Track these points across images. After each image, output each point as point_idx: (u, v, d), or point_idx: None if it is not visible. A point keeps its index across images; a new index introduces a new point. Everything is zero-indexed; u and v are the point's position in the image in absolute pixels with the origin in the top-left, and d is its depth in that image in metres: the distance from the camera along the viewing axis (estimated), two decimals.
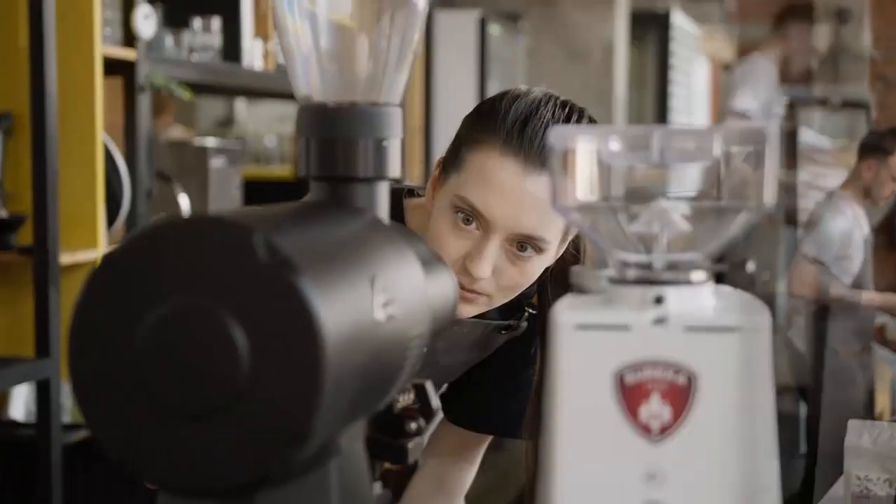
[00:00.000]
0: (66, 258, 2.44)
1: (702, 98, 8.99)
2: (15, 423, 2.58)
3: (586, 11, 5.39)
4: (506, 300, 1.32)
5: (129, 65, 2.68)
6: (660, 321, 0.69)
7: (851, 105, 4.50)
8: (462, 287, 1.27)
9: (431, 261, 0.89)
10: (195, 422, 0.63)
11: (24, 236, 2.42)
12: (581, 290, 0.81)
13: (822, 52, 4.55)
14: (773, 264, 4.71)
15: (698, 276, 0.72)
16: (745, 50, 10.00)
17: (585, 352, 0.70)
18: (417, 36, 0.86)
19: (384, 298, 0.71)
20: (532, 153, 1.23)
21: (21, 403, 2.59)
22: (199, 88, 3.28)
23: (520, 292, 1.32)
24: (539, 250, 1.26)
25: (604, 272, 0.76)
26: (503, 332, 1.43)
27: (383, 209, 0.84)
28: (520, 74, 5.20)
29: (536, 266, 1.28)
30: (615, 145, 0.72)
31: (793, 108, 4.48)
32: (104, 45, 2.58)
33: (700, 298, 0.71)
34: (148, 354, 0.63)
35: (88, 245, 2.52)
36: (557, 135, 0.72)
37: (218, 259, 0.62)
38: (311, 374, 0.61)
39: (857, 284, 4.29)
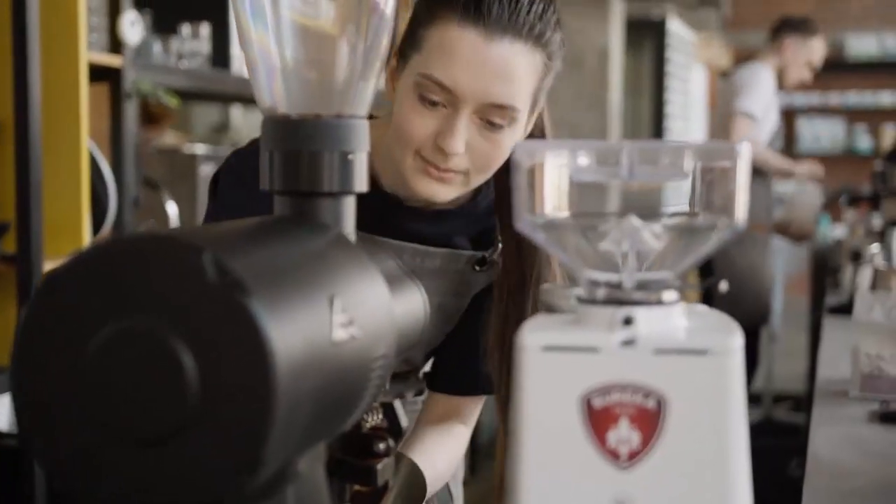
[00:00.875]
0: (50, 266, 2.41)
1: (698, 104, 8.98)
2: None
3: (581, 18, 5.37)
4: (482, 179, 1.29)
5: (115, 71, 2.66)
6: (628, 343, 0.67)
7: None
8: (436, 167, 1.25)
9: (399, 276, 0.87)
10: (143, 447, 0.60)
11: (8, 244, 2.40)
12: (550, 309, 0.78)
13: (819, 63, 4.58)
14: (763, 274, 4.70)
15: (669, 295, 0.70)
16: (741, 57, 10.00)
17: (552, 374, 0.67)
18: (385, 43, 0.84)
19: (344, 318, 0.68)
20: (491, 20, 1.20)
21: (4, 413, 2.56)
22: (188, 95, 3.26)
23: (496, 167, 1.28)
24: (510, 120, 1.24)
25: (573, 291, 0.73)
26: (477, 267, 1.40)
27: (349, 224, 0.81)
28: None
29: (508, 139, 1.25)
30: (583, 161, 0.70)
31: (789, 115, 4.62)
32: (90, 52, 2.55)
33: (671, 319, 0.69)
34: (94, 377, 0.60)
35: (73, 253, 2.49)
36: (523, 150, 0.70)
37: (166, 279, 0.60)
38: (262, 399, 0.59)
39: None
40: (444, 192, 1.27)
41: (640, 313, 0.68)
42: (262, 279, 0.61)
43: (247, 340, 0.59)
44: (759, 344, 4.69)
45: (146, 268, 0.60)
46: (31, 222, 2.33)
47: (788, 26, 4.52)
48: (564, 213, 0.72)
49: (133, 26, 2.64)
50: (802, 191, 4.83)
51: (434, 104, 1.23)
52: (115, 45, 2.66)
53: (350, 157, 0.80)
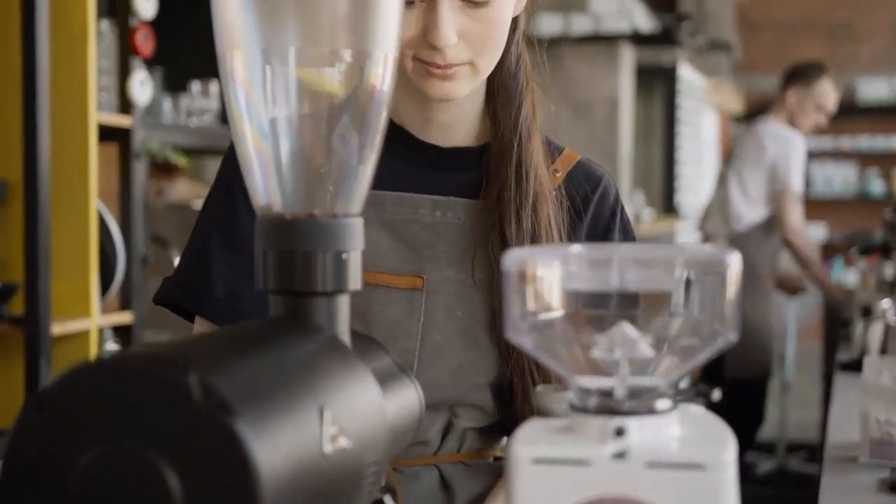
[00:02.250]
0: (58, 328, 2.41)
1: (710, 149, 8.98)
2: None
3: (591, 67, 5.39)
4: (492, 63, 1.20)
5: (124, 131, 2.67)
6: (620, 455, 0.66)
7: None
8: (437, 66, 1.17)
9: (393, 373, 0.86)
10: None
11: (16, 306, 2.40)
12: (543, 412, 0.78)
13: (832, 106, 4.60)
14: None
15: (662, 404, 0.69)
16: (752, 101, 10.03)
17: (543, 487, 0.67)
18: (378, 140, 0.84)
19: (334, 430, 0.68)
20: None
21: None
22: (199, 150, 3.27)
23: (501, 45, 1.20)
24: None
25: (566, 395, 0.73)
26: None
27: (343, 323, 0.81)
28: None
29: (501, 11, 1.17)
30: (574, 268, 0.70)
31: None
32: (100, 112, 2.57)
33: (664, 429, 0.68)
34: (80, 498, 0.60)
35: (81, 314, 2.50)
36: (513, 258, 0.70)
37: (152, 400, 0.60)
38: None
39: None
40: (456, 88, 1.19)
41: (632, 423, 0.67)
42: (249, 397, 0.61)
43: (233, 462, 0.58)
44: (767, 397, 4.65)
45: (133, 389, 0.60)
46: (39, 284, 2.33)
47: (792, 75, 4.55)
48: (555, 320, 0.71)
49: (143, 86, 2.66)
50: None
51: (411, 3, 1.15)
52: (125, 104, 2.68)
53: (344, 256, 0.80)
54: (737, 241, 4.48)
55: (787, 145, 4.43)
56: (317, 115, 0.81)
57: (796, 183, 4.32)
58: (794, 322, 5.98)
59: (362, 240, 0.82)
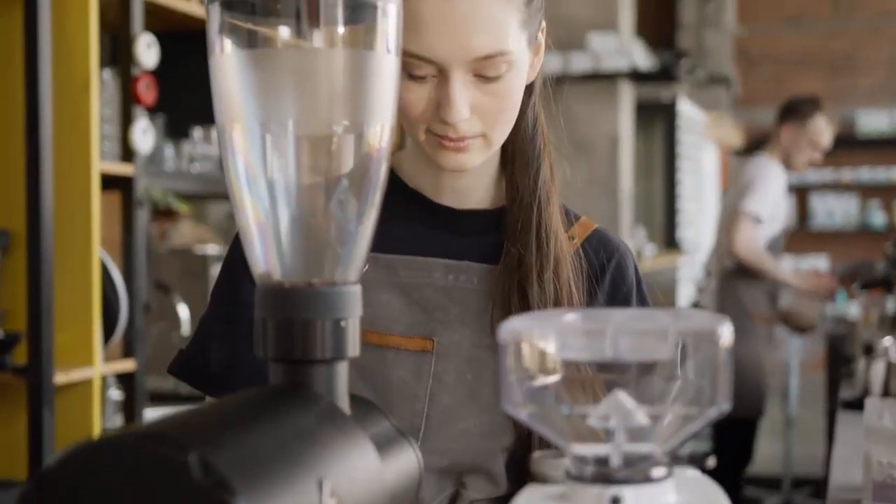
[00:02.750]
0: (60, 377, 2.42)
1: (711, 183, 9.01)
2: None
3: (591, 105, 5.43)
4: (504, 134, 1.20)
5: (127, 179, 2.69)
6: None
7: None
8: (449, 139, 1.16)
9: (393, 438, 0.87)
10: None
11: (19, 355, 2.41)
12: (540, 479, 0.78)
13: (827, 141, 4.61)
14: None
15: (658, 472, 0.70)
16: (752, 135, 10.07)
17: None
18: (376, 206, 0.85)
19: (333, 501, 0.69)
20: None
21: None
22: (201, 196, 3.29)
23: (514, 115, 1.19)
24: (507, 65, 1.14)
25: (563, 461, 0.74)
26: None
27: (342, 390, 0.82)
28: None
29: (513, 83, 1.16)
30: (569, 338, 0.71)
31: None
32: (102, 161, 2.59)
33: (660, 497, 0.69)
34: None
35: (84, 363, 2.51)
36: (508, 329, 0.71)
37: (152, 479, 0.61)
38: None
39: (770, 250, 4.45)
40: (468, 160, 1.19)
41: (628, 492, 0.68)
42: (248, 473, 0.62)
43: None
44: (756, 436, 4.62)
45: (133, 467, 0.61)
46: (42, 334, 2.34)
47: (786, 112, 4.58)
48: (550, 388, 0.72)
49: (145, 135, 2.68)
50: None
51: (423, 78, 1.14)
52: (127, 153, 2.70)
53: (343, 323, 0.81)
54: (727, 278, 4.51)
55: (759, 170, 4.46)
56: (315, 184, 0.83)
57: (752, 204, 4.32)
58: (797, 356, 5.98)
59: (360, 306, 0.83)
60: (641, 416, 0.70)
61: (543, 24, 1.22)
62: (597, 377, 0.73)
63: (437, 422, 1.21)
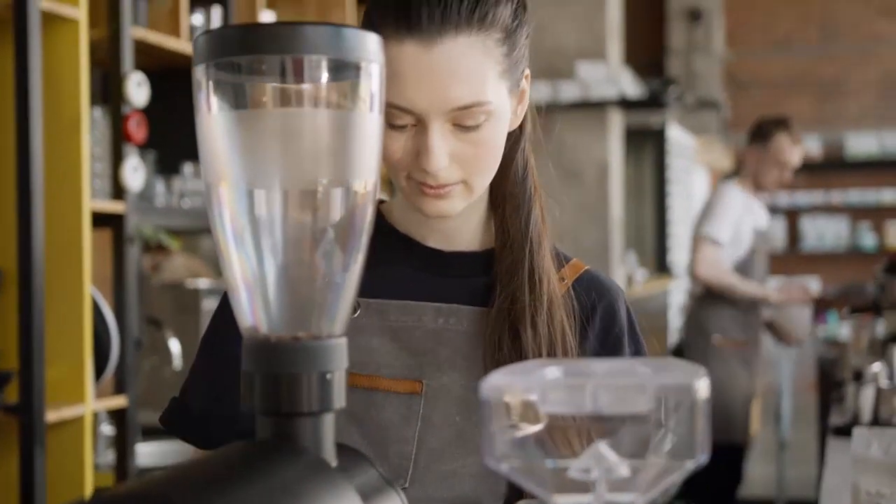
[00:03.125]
0: (52, 415, 2.42)
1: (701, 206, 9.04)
2: None
3: (580, 132, 5.46)
4: (486, 181, 1.21)
5: (118, 217, 2.70)
6: None
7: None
8: (430, 186, 1.17)
9: (378, 487, 0.88)
10: None
11: (10, 394, 2.42)
12: None
13: (794, 159, 4.57)
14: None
15: None
16: (741, 158, 10.12)
17: None
18: (359, 263, 0.87)
19: None
20: (424, 25, 1.13)
21: None
22: (192, 231, 3.31)
23: (496, 163, 1.20)
24: (486, 115, 1.15)
25: None
26: None
27: (328, 441, 0.83)
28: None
29: (493, 132, 1.17)
30: (550, 395, 0.72)
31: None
32: (93, 199, 2.60)
33: None
34: None
35: (76, 400, 2.51)
36: (490, 387, 0.72)
37: None
38: None
39: (741, 272, 4.42)
40: (450, 206, 1.20)
41: None
42: None
43: None
44: (744, 460, 4.61)
45: None
46: (34, 372, 2.35)
47: (751, 134, 4.60)
48: (532, 441, 0.74)
49: (135, 172, 2.70)
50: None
51: (403, 127, 1.16)
52: (118, 190, 2.71)
53: (328, 376, 0.82)
54: (695, 304, 4.53)
55: (719, 194, 4.49)
56: (300, 239, 0.84)
57: (710, 228, 4.33)
58: (789, 378, 5.99)
59: (346, 359, 0.84)
60: (623, 468, 0.72)
61: (527, 71, 1.23)
62: (579, 429, 0.74)
63: (425, 464, 1.22)
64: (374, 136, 0.84)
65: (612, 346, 1.29)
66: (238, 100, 0.84)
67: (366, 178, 0.84)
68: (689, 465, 0.71)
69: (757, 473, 6.64)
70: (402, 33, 1.13)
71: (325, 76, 0.81)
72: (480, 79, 1.14)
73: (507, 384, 0.73)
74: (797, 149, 4.56)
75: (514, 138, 1.25)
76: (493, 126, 1.17)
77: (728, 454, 4.47)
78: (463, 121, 1.15)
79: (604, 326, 1.30)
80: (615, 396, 0.72)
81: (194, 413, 1.27)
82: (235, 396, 1.06)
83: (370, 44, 0.83)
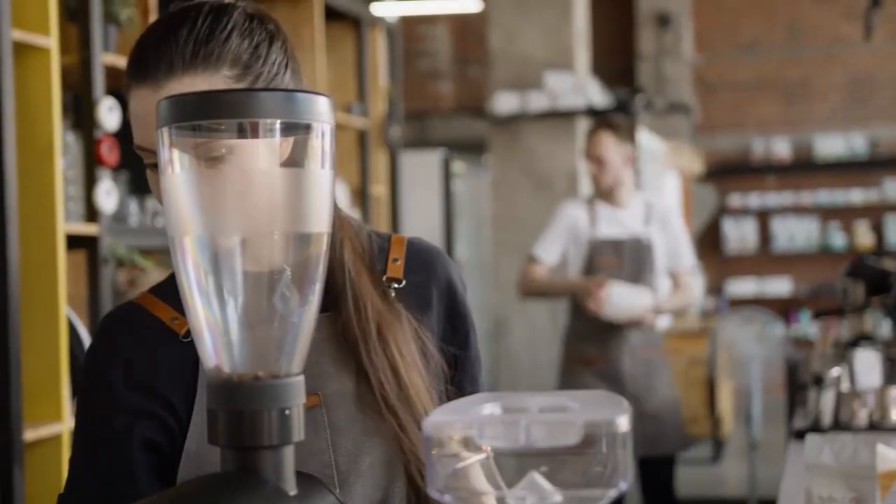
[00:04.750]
0: (30, 434, 2.48)
1: (673, 210, 9.13)
2: None
3: (549, 142, 5.53)
4: None
5: (92, 239, 2.76)
6: None
7: None
8: None
9: None
10: None
11: None
12: None
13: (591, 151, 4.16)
14: None
15: None
16: (712, 161, 10.25)
17: None
18: (315, 305, 0.93)
19: None
20: (151, 70, 1.19)
21: None
22: (166, 250, 3.36)
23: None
24: (228, 149, 1.09)
25: None
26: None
27: (288, 471, 0.90)
28: (485, 206, 5.31)
29: (242, 165, 1.16)
30: (487, 430, 0.79)
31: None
32: (67, 222, 2.65)
33: None
34: None
35: (53, 419, 2.57)
36: (431, 424, 0.79)
37: None
38: None
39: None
40: None
41: None
42: None
43: None
44: (672, 471, 4.46)
45: None
46: (11, 392, 2.40)
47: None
48: (470, 473, 0.81)
49: (108, 195, 2.75)
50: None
51: (156, 166, 1.14)
52: (92, 213, 2.76)
53: (287, 412, 0.89)
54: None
55: (552, 215, 4.30)
56: (258, 285, 0.91)
57: (534, 247, 4.17)
58: (759, 380, 6.08)
59: (304, 394, 0.91)
60: (556, 496, 0.79)
61: None
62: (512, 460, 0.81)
63: (346, 466, 1.28)
64: (326, 189, 0.91)
65: (458, 313, 1.37)
66: (198, 159, 0.91)
67: (319, 226, 0.91)
68: (612, 493, 0.79)
69: (729, 472, 6.74)
70: (137, 80, 1.21)
71: (278, 136, 0.88)
72: None
73: (447, 422, 0.80)
74: (588, 138, 4.19)
75: None
76: (239, 160, 1.11)
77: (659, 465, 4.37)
78: (206, 155, 1.08)
79: (444, 291, 1.37)
80: (547, 431, 0.79)
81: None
82: (126, 480, 1.11)
83: (320, 106, 0.90)
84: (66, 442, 2.60)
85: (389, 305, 1.31)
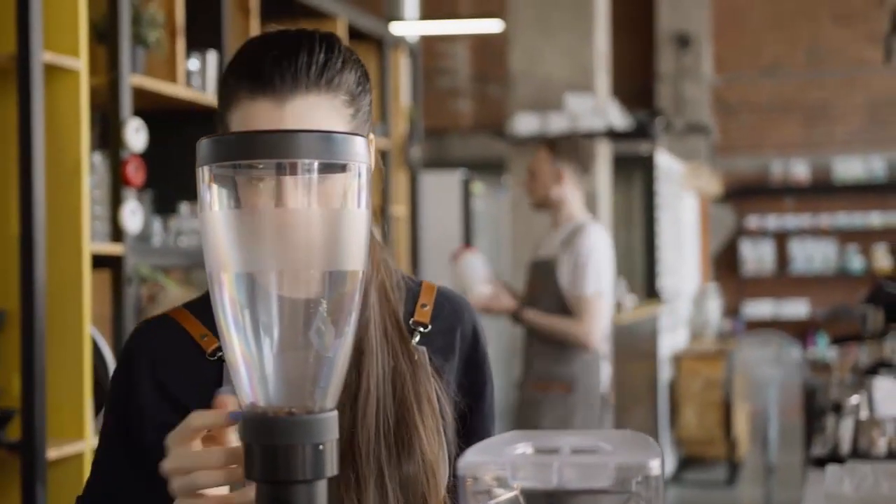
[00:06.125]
0: (53, 452, 2.50)
1: (691, 232, 9.14)
2: None
3: None
4: None
5: (117, 258, 2.79)
6: None
7: None
8: None
9: None
10: None
11: (12, 432, 2.49)
12: None
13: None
14: None
15: None
16: (730, 182, 10.24)
17: None
18: (349, 340, 0.95)
19: None
20: (276, 85, 1.20)
21: None
22: (188, 267, 3.39)
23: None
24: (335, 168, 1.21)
25: None
26: None
27: None
28: (504, 227, 5.32)
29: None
30: (520, 472, 0.80)
31: None
32: (93, 242, 2.68)
33: None
34: None
35: (76, 437, 2.59)
36: (465, 464, 0.80)
37: None
38: None
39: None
40: None
41: None
42: None
43: None
44: None
45: None
46: (35, 411, 2.43)
47: None
48: None
49: (133, 215, 2.78)
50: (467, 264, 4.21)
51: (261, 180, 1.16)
52: (117, 232, 2.79)
53: (321, 447, 0.91)
54: None
55: None
56: (295, 322, 0.93)
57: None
58: (776, 404, 6.07)
59: (337, 430, 0.93)
60: None
61: (372, 136, 1.30)
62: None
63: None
64: (362, 228, 0.93)
65: (477, 366, 1.37)
66: (237, 198, 0.92)
67: (355, 264, 0.93)
68: None
69: (745, 496, 6.72)
70: (256, 92, 1.21)
71: (315, 177, 0.90)
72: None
73: (482, 462, 0.81)
74: (533, 157, 4.19)
75: None
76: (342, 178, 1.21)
77: None
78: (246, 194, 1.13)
79: (467, 343, 1.38)
80: (579, 472, 0.80)
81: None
82: (142, 489, 1.11)
83: (357, 146, 0.91)
84: (88, 460, 2.62)
85: (407, 350, 1.30)
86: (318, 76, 1.22)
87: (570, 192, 4.08)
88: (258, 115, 1.21)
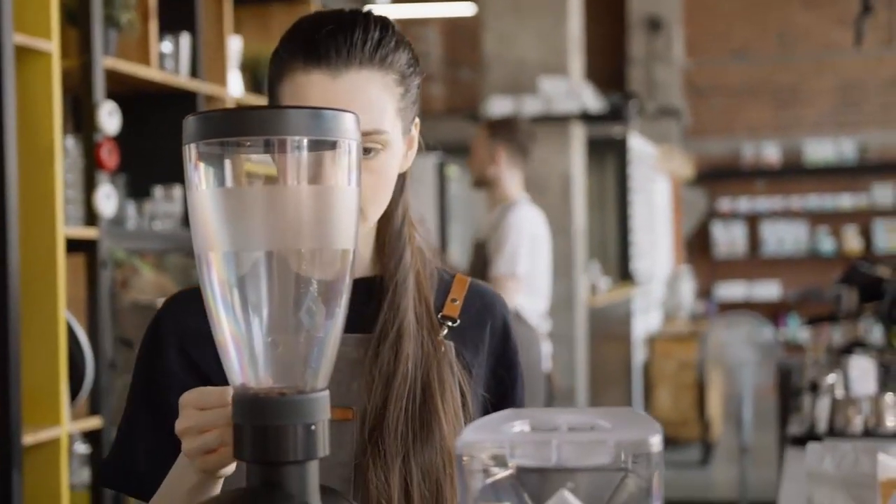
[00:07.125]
0: (29, 438, 2.47)
1: (664, 214, 9.17)
2: None
3: (543, 146, 5.52)
4: (378, 211, 1.27)
5: (91, 242, 2.76)
6: None
7: None
8: None
9: None
10: None
11: None
12: None
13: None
14: None
15: None
16: (702, 165, 10.27)
17: None
18: (340, 320, 0.93)
19: None
20: (331, 58, 1.22)
21: None
22: (163, 251, 3.36)
23: (389, 195, 1.27)
24: (383, 144, 1.24)
25: None
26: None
27: (313, 486, 0.90)
28: (479, 210, 5.32)
29: (388, 163, 1.25)
30: (518, 449, 0.79)
31: None
32: (67, 226, 2.65)
33: None
34: None
35: (51, 422, 2.57)
36: (463, 443, 0.79)
37: None
38: None
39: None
40: None
41: None
42: None
43: None
44: None
45: None
46: (11, 396, 2.40)
47: None
48: (501, 492, 0.81)
49: (108, 199, 2.75)
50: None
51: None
52: (91, 216, 2.76)
53: (313, 427, 0.90)
54: None
55: None
56: (284, 301, 0.91)
57: None
58: (751, 382, 6.10)
59: (328, 410, 0.91)
60: None
61: (417, 120, 1.32)
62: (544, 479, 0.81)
63: (363, 482, 1.25)
64: (352, 205, 0.91)
65: (507, 362, 1.37)
66: (224, 176, 0.91)
67: (345, 242, 0.91)
68: None
69: (720, 476, 6.76)
70: (310, 64, 1.22)
71: (305, 154, 0.89)
72: (380, 109, 1.24)
73: (479, 441, 0.80)
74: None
75: (399, 184, 1.33)
76: (388, 157, 1.25)
77: None
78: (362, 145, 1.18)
79: (497, 338, 1.38)
80: (578, 450, 0.80)
81: (141, 469, 1.28)
82: (178, 447, 1.11)
83: (346, 123, 0.90)
84: (65, 445, 2.60)
85: (434, 343, 1.30)
86: (372, 52, 1.24)
87: (505, 173, 4.11)
88: (311, 87, 1.22)
